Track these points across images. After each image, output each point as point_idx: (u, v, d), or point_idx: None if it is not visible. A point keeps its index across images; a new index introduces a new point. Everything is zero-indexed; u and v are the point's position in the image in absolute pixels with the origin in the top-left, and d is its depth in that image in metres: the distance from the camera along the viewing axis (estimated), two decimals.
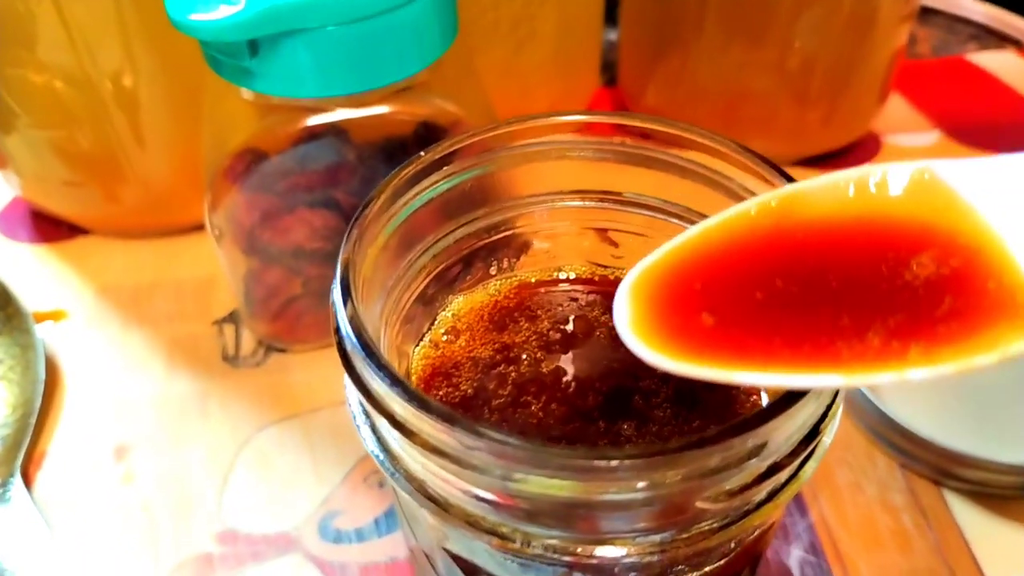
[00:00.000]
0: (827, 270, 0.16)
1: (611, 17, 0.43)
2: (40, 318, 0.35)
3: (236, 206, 0.30)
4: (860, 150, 0.43)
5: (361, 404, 0.17)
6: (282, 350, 0.34)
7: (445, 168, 0.20)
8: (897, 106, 0.46)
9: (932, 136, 0.45)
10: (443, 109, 0.30)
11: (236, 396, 0.33)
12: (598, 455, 0.14)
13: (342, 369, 0.33)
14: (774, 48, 0.38)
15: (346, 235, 0.18)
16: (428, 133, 0.30)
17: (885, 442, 0.31)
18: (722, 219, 0.18)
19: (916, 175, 0.17)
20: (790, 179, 0.19)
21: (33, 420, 0.31)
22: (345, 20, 0.25)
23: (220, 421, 0.32)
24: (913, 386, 0.31)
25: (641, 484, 0.14)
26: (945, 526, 0.29)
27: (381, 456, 0.17)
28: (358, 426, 0.17)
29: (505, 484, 0.15)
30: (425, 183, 0.20)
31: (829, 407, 0.16)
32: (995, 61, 0.49)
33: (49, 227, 0.40)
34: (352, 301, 0.16)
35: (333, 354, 0.33)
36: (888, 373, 0.14)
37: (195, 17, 0.24)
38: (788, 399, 0.15)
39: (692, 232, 0.18)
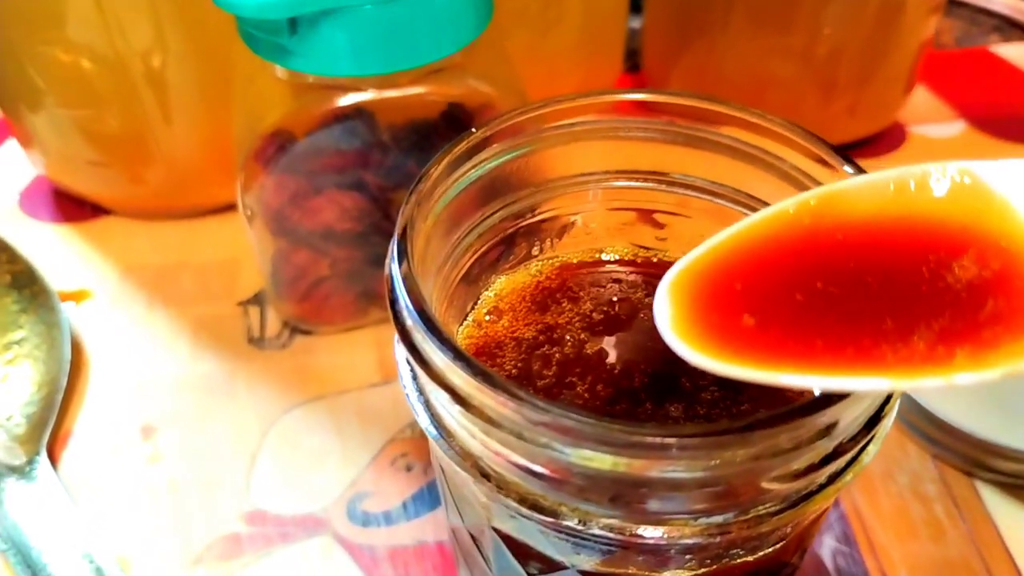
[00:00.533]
0: (867, 271, 0.16)
1: (635, 4, 0.43)
2: (64, 298, 0.35)
3: (266, 187, 0.30)
4: (885, 140, 0.43)
5: (415, 379, 0.17)
6: (307, 332, 0.34)
7: (494, 146, 0.20)
8: (922, 96, 0.46)
9: (957, 127, 0.44)
10: (476, 90, 0.30)
11: (262, 377, 0.33)
12: (668, 432, 0.14)
13: (368, 351, 0.33)
14: (801, 36, 0.38)
15: (402, 207, 0.17)
16: (457, 114, 0.30)
17: (918, 432, 0.30)
18: (761, 218, 0.18)
19: (956, 176, 0.17)
20: (847, 158, 0.19)
21: (59, 398, 0.31)
22: (384, 0, 0.25)
23: (246, 402, 0.32)
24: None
25: (711, 463, 0.14)
26: (977, 517, 0.28)
27: (435, 432, 0.17)
28: (411, 403, 0.17)
29: (567, 460, 0.15)
30: (475, 160, 0.20)
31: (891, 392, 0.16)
32: (1018, 52, 0.49)
33: (71, 206, 0.39)
34: (409, 268, 0.16)
35: (359, 336, 0.34)
36: (935, 378, 0.14)
37: None
38: None
39: (731, 231, 0.18)
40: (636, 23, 0.45)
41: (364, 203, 0.32)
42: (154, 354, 0.33)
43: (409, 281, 0.16)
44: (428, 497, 0.29)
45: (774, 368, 0.15)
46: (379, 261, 0.32)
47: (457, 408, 0.15)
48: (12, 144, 0.42)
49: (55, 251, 0.38)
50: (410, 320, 0.16)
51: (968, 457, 0.30)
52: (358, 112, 0.29)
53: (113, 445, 0.30)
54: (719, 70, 0.41)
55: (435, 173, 0.18)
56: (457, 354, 0.15)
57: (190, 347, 0.34)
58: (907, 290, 0.15)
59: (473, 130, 0.19)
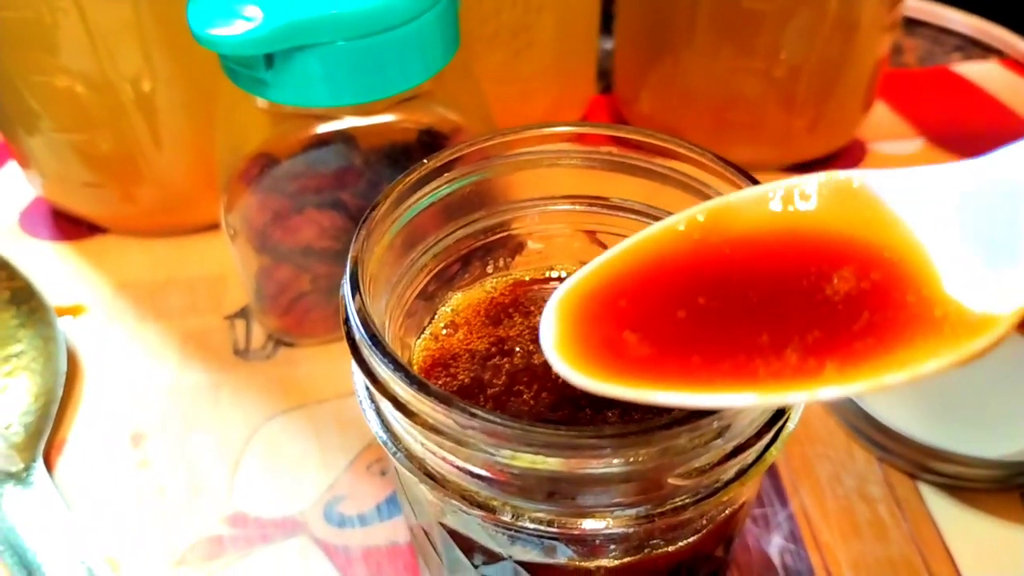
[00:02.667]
0: (749, 285, 0.16)
1: (607, 27, 0.45)
2: (60, 312, 0.37)
3: (249, 207, 0.32)
4: (846, 156, 0.45)
5: (367, 389, 0.19)
6: (290, 344, 0.36)
7: (446, 174, 0.22)
8: (882, 114, 0.48)
9: (916, 144, 0.46)
10: (445, 117, 0.31)
11: (246, 387, 0.34)
12: (579, 433, 0.15)
13: (347, 362, 0.35)
14: (761, 56, 0.40)
15: (355, 235, 0.19)
16: (430, 139, 0.32)
17: (863, 437, 0.32)
18: (650, 234, 0.18)
19: (843, 185, 0.16)
20: (752, 179, 0.20)
21: (55, 409, 0.33)
22: (354, 35, 0.27)
23: (231, 410, 0.34)
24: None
25: (617, 460, 0.16)
26: (920, 517, 0.30)
27: (384, 436, 0.18)
28: (364, 410, 0.19)
29: (496, 460, 0.16)
30: (427, 188, 0.22)
31: None
32: (979, 71, 0.51)
33: (69, 225, 0.41)
34: (360, 294, 0.18)
35: (339, 348, 0.36)
36: (801, 392, 0.14)
37: (216, 32, 0.26)
38: None
39: (621, 247, 0.18)
40: (608, 44, 0.47)
41: (342, 222, 0.33)
42: (145, 365, 0.35)
43: (360, 308, 0.18)
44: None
45: (648, 387, 0.15)
46: None
47: (400, 415, 0.17)
48: (12, 166, 0.44)
49: (53, 268, 0.40)
50: (358, 336, 0.18)
51: (912, 460, 0.31)
52: (336, 137, 0.31)
53: (105, 452, 0.32)
54: (685, 89, 0.43)
55: (384, 204, 0.20)
56: (397, 366, 0.17)
57: (179, 358, 0.36)
58: (786, 303, 0.15)
59: (424, 161, 0.21)
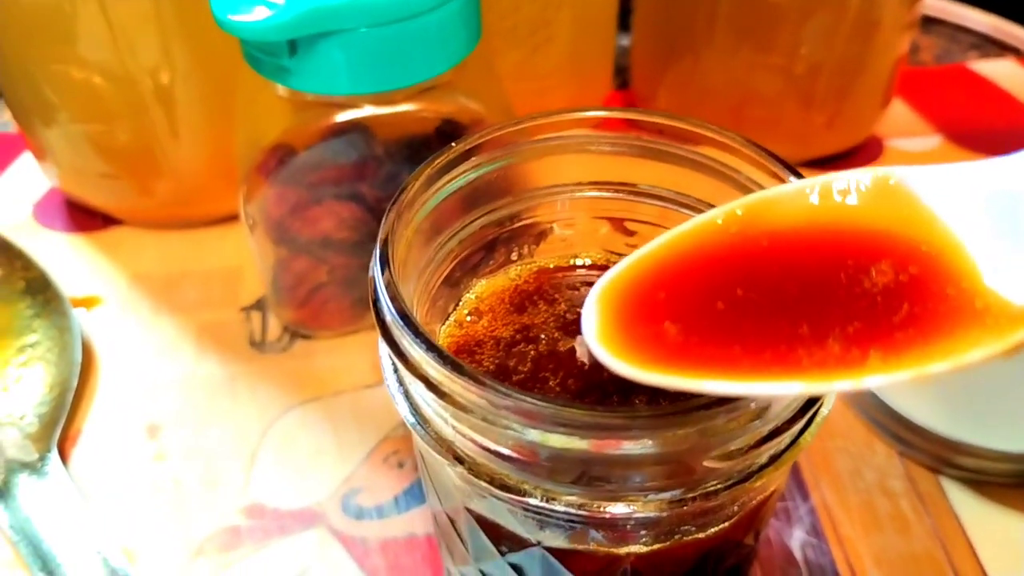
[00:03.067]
0: (787, 278, 0.16)
1: (624, 23, 0.45)
2: (75, 304, 0.37)
3: (267, 198, 0.32)
4: (863, 153, 0.45)
5: (396, 372, 0.19)
6: (307, 336, 0.36)
7: (473, 159, 0.22)
8: (900, 111, 0.48)
9: (934, 140, 0.46)
10: (465, 107, 0.31)
11: (263, 379, 0.34)
12: (614, 413, 0.15)
13: (364, 354, 0.35)
14: (781, 53, 0.40)
15: (384, 216, 0.19)
16: (450, 130, 0.32)
17: (884, 431, 0.32)
18: (689, 228, 0.18)
19: (880, 181, 0.17)
20: (795, 172, 0.20)
21: (69, 399, 0.32)
22: (378, 22, 0.27)
23: (247, 403, 0.33)
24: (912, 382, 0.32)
25: (652, 441, 0.16)
26: (942, 512, 0.30)
27: (413, 419, 0.18)
28: (392, 393, 0.19)
29: (528, 441, 0.16)
30: (454, 172, 0.21)
31: None
32: (995, 69, 0.51)
33: (84, 217, 0.41)
34: (391, 273, 0.18)
35: (355, 340, 0.35)
36: (846, 380, 0.15)
37: (239, 18, 0.26)
38: None
39: (660, 241, 0.18)
40: (625, 41, 0.47)
41: (361, 213, 0.33)
42: (160, 357, 0.35)
43: (390, 285, 0.18)
44: (418, 492, 0.30)
45: (692, 376, 0.15)
46: None
47: (431, 396, 0.17)
48: (27, 157, 0.44)
49: (68, 259, 0.39)
50: (389, 317, 0.17)
51: (933, 455, 0.31)
52: (355, 127, 0.31)
53: (120, 443, 0.32)
54: (703, 86, 0.42)
55: (415, 186, 0.20)
56: (430, 346, 0.16)
57: (194, 350, 0.35)
58: (825, 295, 0.16)
59: (452, 144, 0.21)
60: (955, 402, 0.31)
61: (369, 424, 0.33)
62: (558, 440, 0.16)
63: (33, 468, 0.30)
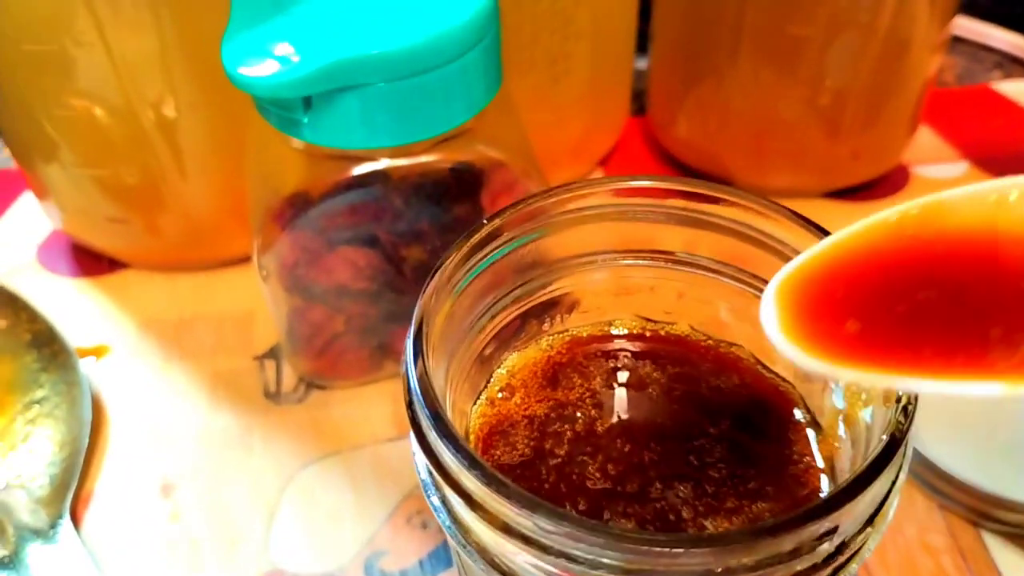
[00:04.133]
0: (967, 283, 0.16)
1: (641, 45, 0.44)
2: (83, 354, 0.36)
3: (283, 248, 0.31)
4: (889, 182, 0.44)
5: (432, 474, 0.18)
6: (323, 387, 0.35)
7: (506, 233, 0.21)
8: (925, 137, 0.46)
9: (961, 167, 0.45)
10: (486, 156, 0.30)
11: (279, 433, 0.33)
12: (679, 540, 0.14)
13: (382, 406, 0.34)
14: (806, 83, 0.38)
15: (413, 319, 0.18)
16: (467, 174, 0.31)
17: (924, 483, 0.31)
18: (863, 227, 0.18)
19: None
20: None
21: (81, 460, 0.31)
22: (397, 76, 0.25)
23: (264, 458, 0.32)
24: (951, 428, 0.31)
25: (715, 568, 0.15)
26: (986, 569, 0.29)
27: (452, 528, 0.17)
28: (428, 496, 0.18)
29: (581, 565, 0.15)
30: (486, 249, 0.20)
31: (894, 482, 0.17)
32: (1020, 89, 0.49)
33: (89, 260, 0.40)
34: (428, 379, 0.17)
35: (372, 391, 0.34)
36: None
37: (251, 73, 0.25)
38: (860, 480, 0.15)
39: (833, 239, 0.18)
40: (642, 64, 0.46)
41: (377, 260, 0.32)
42: (172, 410, 0.34)
43: (424, 384, 0.17)
44: (444, 556, 0.29)
45: (888, 372, 0.15)
46: (393, 317, 0.33)
47: (474, 515, 0.16)
48: (28, 197, 0.43)
49: (74, 305, 0.38)
50: (425, 422, 0.16)
51: (974, 508, 0.30)
52: (373, 177, 0.30)
53: (134, 505, 0.31)
54: (724, 113, 0.41)
55: (450, 265, 0.19)
56: (472, 462, 0.15)
57: (208, 402, 0.34)
58: (1010, 302, 0.15)
59: (485, 221, 0.20)
60: (995, 454, 0.30)
61: (390, 481, 0.32)
62: (613, 568, 0.15)
63: (44, 535, 0.29)
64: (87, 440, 0.32)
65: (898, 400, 0.17)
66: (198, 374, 0.35)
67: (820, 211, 0.38)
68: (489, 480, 0.15)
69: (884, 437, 0.16)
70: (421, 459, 0.18)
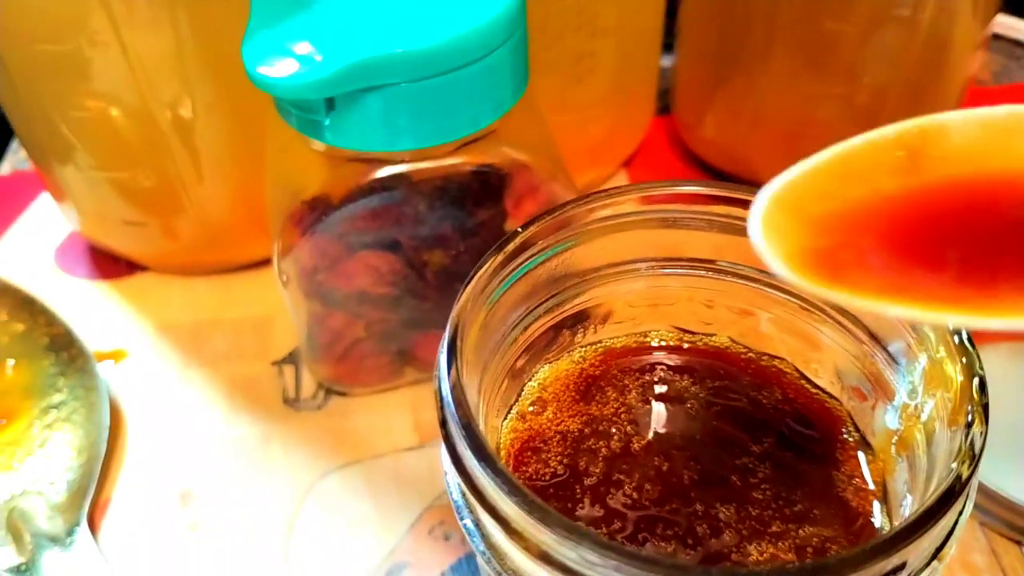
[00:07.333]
0: (963, 211, 0.15)
1: (667, 42, 0.43)
2: (101, 357, 0.35)
3: (303, 252, 0.30)
4: None
5: (465, 498, 0.17)
6: (342, 393, 0.34)
7: (540, 243, 0.20)
8: None
9: None
10: (512, 158, 0.29)
11: (298, 440, 0.33)
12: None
13: (402, 413, 0.33)
14: (842, 80, 0.37)
15: (447, 330, 0.17)
16: (490, 176, 0.30)
17: None
18: (857, 144, 0.17)
19: None
20: None
21: (99, 466, 0.31)
22: (422, 76, 0.25)
23: (283, 467, 0.32)
24: (991, 441, 0.30)
25: None
26: None
27: (488, 553, 0.16)
28: (462, 519, 0.17)
29: None
30: (520, 259, 0.19)
31: (960, 513, 0.16)
32: None
33: (107, 263, 0.40)
34: (471, 419, 0.16)
35: (392, 397, 0.34)
36: None
37: (272, 73, 0.24)
38: (928, 514, 0.14)
39: (828, 154, 0.17)
40: (667, 61, 0.45)
41: (398, 265, 0.31)
42: (191, 416, 0.33)
43: (459, 399, 0.16)
44: (467, 568, 0.28)
45: (907, 304, 0.14)
46: (414, 323, 0.33)
47: (512, 544, 0.15)
48: (45, 198, 0.42)
49: (93, 308, 0.38)
50: (460, 441, 0.15)
51: (1017, 526, 0.29)
52: (395, 180, 0.29)
53: (152, 513, 0.30)
54: (755, 113, 0.40)
55: (484, 275, 0.18)
56: (512, 488, 0.15)
57: (226, 408, 0.34)
58: (1004, 234, 0.15)
59: (519, 229, 0.19)
60: None
61: (412, 491, 0.31)
62: None
63: (61, 542, 0.29)
64: (105, 446, 0.31)
65: (968, 425, 0.16)
66: (216, 379, 0.35)
67: None
68: (530, 507, 0.14)
69: (953, 466, 0.15)
70: (454, 478, 0.17)
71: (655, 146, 0.46)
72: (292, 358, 0.35)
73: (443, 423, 0.16)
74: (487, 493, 0.15)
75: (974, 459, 0.15)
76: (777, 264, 0.15)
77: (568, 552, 0.14)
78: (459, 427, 0.16)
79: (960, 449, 0.15)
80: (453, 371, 0.17)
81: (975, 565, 0.28)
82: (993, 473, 0.29)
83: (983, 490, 0.29)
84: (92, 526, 0.30)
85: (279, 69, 0.24)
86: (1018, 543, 0.29)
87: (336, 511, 0.30)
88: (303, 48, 0.25)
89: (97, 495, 0.31)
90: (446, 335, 0.17)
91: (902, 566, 0.14)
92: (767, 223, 0.16)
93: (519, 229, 0.19)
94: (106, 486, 0.31)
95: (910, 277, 0.15)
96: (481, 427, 0.16)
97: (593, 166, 0.43)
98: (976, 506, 0.29)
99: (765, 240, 0.16)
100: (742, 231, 0.21)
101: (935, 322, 0.15)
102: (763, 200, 0.16)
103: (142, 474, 0.32)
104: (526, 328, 0.21)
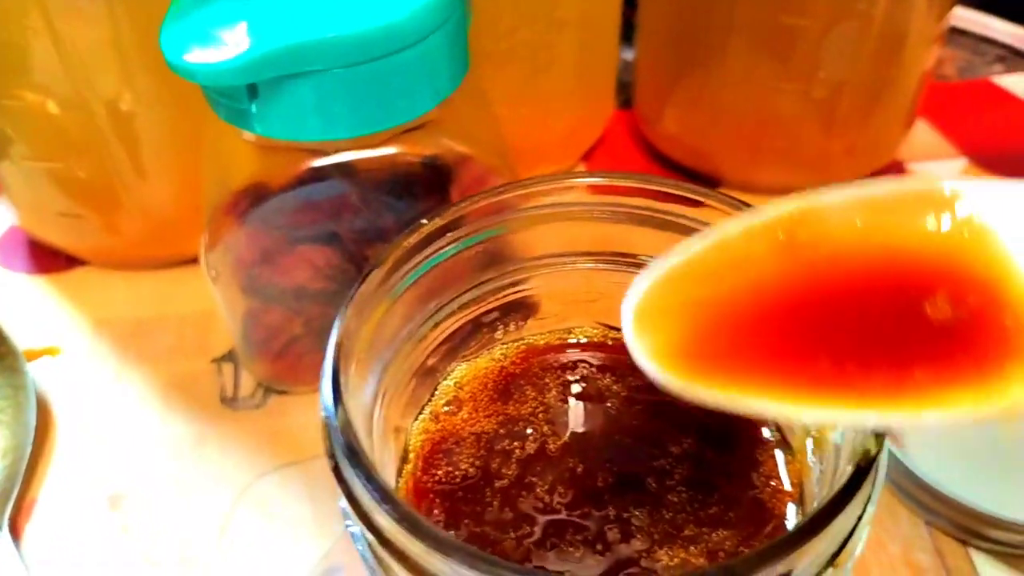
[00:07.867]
0: (845, 298, 0.15)
1: (627, 35, 0.42)
2: (34, 355, 0.34)
3: (235, 246, 0.29)
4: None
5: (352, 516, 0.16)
6: (282, 392, 0.33)
7: (450, 233, 0.19)
8: (922, 132, 0.44)
9: (958, 164, 0.43)
10: (452, 148, 0.29)
11: (235, 441, 0.32)
12: None
13: None
14: (800, 75, 0.37)
15: (337, 318, 0.16)
16: (436, 169, 0.29)
17: (909, 498, 0.29)
18: (730, 233, 0.16)
19: (936, 195, 0.16)
20: None
21: (23, 467, 0.30)
22: (351, 62, 0.24)
23: (218, 468, 0.31)
24: (937, 440, 0.30)
25: None
26: None
27: (370, 560, 0.16)
28: (348, 526, 0.16)
29: None
30: (429, 250, 0.19)
31: (860, 517, 0.15)
32: (1022, 84, 0.47)
33: (47, 257, 0.39)
34: (349, 420, 0.15)
35: None
36: (902, 413, 0.14)
37: (192, 59, 0.23)
38: (819, 518, 0.13)
39: (696, 247, 0.16)
40: (628, 55, 0.44)
41: (338, 260, 0.31)
42: (124, 415, 0.33)
43: (346, 430, 0.15)
44: None
45: (745, 394, 0.14)
46: None
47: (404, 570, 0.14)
48: None
49: (30, 303, 0.37)
50: (338, 451, 0.15)
51: (962, 526, 0.28)
52: (333, 169, 0.28)
53: (80, 515, 0.30)
54: (714, 107, 0.40)
55: (380, 273, 0.17)
56: (384, 495, 0.14)
57: (161, 407, 0.33)
58: (881, 321, 0.15)
59: (423, 222, 0.18)
60: (983, 470, 0.29)
61: None
62: None
63: None
64: (31, 447, 0.30)
65: None
66: (154, 377, 0.34)
67: None
68: (401, 516, 0.13)
69: (849, 468, 0.14)
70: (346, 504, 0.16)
71: (615, 140, 0.45)
72: (231, 356, 0.35)
73: (325, 433, 0.15)
74: (362, 502, 0.14)
75: (871, 458, 0.15)
76: (645, 361, 0.15)
77: (440, 565, 0.13)
78: (336, 432, 0.15)
79: (859, 448, 0.14)
80: (333, 376, 0.16)
81: (919, 564, 0.28)
82: (940, 473, 0.28)
83: (928, 490, 0.28)
84: (14, 530, 0.29)
85: (199, 55, 0.23)
86: (963, 543, 0.28)
87: (271, 513, 0.30)
88: (225, 34, 0.24)
89: (22, 498, 0.30)
90: (332, 334, 0.16)
91: (787, 575, 0.13)
92: (641, 316, 0.16)
93: (424, 221, 0.18)
94: (32, 488, 0.30)
95: (785, 365, 0.15)
96: (372, 431, 0.15)
97: (552, 160, 0.42)
98: (922, 505, 0.29)
99: (637, 335, 0.16)
100: (677, 228, 0.20)
101: (798, 420, 0.15)
102: (638, 292, 0.16)
103: (71, 476, 0.31)
104: (438, 324, 0.20)
